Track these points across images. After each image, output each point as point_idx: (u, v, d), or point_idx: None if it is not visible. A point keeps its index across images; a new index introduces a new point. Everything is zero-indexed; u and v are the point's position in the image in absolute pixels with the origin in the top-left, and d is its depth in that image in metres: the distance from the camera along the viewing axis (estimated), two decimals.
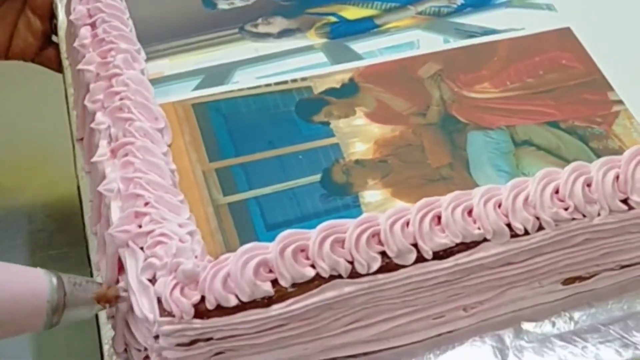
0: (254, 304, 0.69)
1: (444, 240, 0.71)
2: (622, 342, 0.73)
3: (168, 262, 0.69)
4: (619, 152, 0.76)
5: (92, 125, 0.82)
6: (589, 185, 0.73)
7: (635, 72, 0.84)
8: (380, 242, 0.71)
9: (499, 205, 0.72)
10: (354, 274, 0.70)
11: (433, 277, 0.72)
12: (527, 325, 0.74)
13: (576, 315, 0.75)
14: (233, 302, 0.68)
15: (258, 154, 0.79)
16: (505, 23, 0.89)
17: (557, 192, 0.73)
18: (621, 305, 0.76)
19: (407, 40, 0.88)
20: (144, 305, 0.69)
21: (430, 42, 0.88)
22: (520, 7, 0.91)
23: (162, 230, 0.71)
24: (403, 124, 0.81)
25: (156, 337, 0.68)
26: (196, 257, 0.69)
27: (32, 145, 1.11)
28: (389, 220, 0.71)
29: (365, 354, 0.73)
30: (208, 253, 0.71)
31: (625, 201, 0.74)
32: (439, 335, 0.74)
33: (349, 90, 0.84)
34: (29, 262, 0.84)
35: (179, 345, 0.69)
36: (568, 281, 0.76)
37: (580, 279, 0.76)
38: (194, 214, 0.74)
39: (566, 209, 0.73)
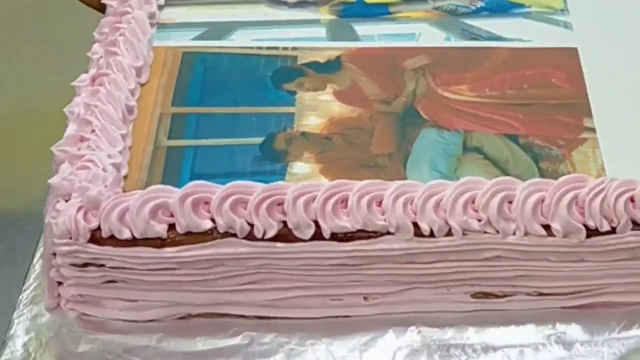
0: (147, 242, 0.70)
1: (345, 223, 0.69)
2: None
3: (82, 185, 0.72)
4: None
5: (88, 53, 0.85)
6: (510, 202, 0.70)
7: (624, 105, 0.78)
8: (284, 212, 0.71)
9: (411, 202, 0.70)
10: (251, 237, 0.70)
11: (330, 257, 0.70)
12: (424, 329, 0.71)
13: (478, 331, 0.71)
14: (126, 235, 0.69)
15: (217, 108, 0.79)
16: (514, 32, 0.85)
17: (474, 201, 0.70)
18: (528, 333, 0.71)
19: (410, 31, 0.86)
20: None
21: (431, 37, 0.85)
22: (537, 20, 0.87)
23: (91, 157, 0.73)
24: (364, 108, 0.79)
25: (54, 254, 0.72)
26: (106, 186, 0.71)
27: None
28: (295, 193, 0.70)
29: (258, 317, 0.73)
30: (127, 188, 0.73)
31: (547, 227, 0.70)
32: (336, 317, 0.73)
33: (330, 67, 0.83)
34: None
35: (73, 265, 0.71)
36: (478, 295, 0.72)
37: (493, 296, 0.72)
38: (134, 150, 0.76)
39: (479, 221, 0.69)
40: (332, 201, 0.69)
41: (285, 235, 0.70)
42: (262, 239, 0.69)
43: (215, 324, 0.73)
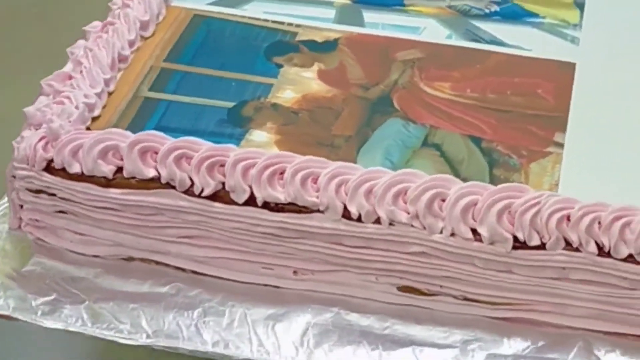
0: (93, 180, 0.72)
1: (277, 194, 0.69)
2: None
3: (48, 117, 0.74)
4: None
5: (109, 3, 0.88)
6: (444, 200, 0.68)
7: (602, 127, 0.74)
8: (224, 174, 0.71)
9: (345, 184, 0.69)
10: (191, 192, 0.71)
11: (261, 224, 0.70)
12: (344, 313, 0.70)
13: (397, 324, 0.69)
14: (75, 169, 0.71)
15: (204, 69, 0.80)
16: (518, 40, 0.82)
17: (406, 193, 0.68)
18: (446, 335, 0.69)
19: (415, 24, 0.84)
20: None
21: (434, 33, 0.83)
22: (545, 32, 0.83)
23: (69, 94, 0.76)
24: (342, 90, 0.78)
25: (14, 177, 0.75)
26: (70, 121, 0.74)
27: None
28: (237, 157, 0.70)
29: (193, 272, 0.74)
30: (94, 127, 0.75)
31: (476, 231, 0.67)
32: (265, 285, 0.73)
33: (325, 47, 0.82)
34: None
35: (28, 189, 0.74)
36: (404, 289, 0.71)
37: (419, 292, 0.70)
38: (115, 95, 0.78)
39: (407, 213, 0.68)
40: (269, 170, 0.69)
41: (222, 196, 0.71)
42: (200, 196, 0.71)
43: (152, 271, 0.74)
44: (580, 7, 0.85)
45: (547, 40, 0.82)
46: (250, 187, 0.70)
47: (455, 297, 0.70)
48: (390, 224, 0.67)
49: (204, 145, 0.71)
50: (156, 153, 0.71)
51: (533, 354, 0.67)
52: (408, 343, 0.68)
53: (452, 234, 0.67)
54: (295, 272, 0.72)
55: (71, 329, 0.70)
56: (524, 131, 0.74)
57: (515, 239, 0.66)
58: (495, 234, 0.66)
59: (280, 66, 0.81)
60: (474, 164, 0.72)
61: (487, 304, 0.69)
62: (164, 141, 0.72)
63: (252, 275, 0.73)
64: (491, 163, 0.72)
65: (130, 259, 0.75)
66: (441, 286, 0.70)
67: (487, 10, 0.86)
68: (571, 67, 0.79)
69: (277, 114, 0.77)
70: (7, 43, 0.82)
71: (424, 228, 0.67)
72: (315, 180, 0.69)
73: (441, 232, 0.67)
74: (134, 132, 0.73)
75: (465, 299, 0.70)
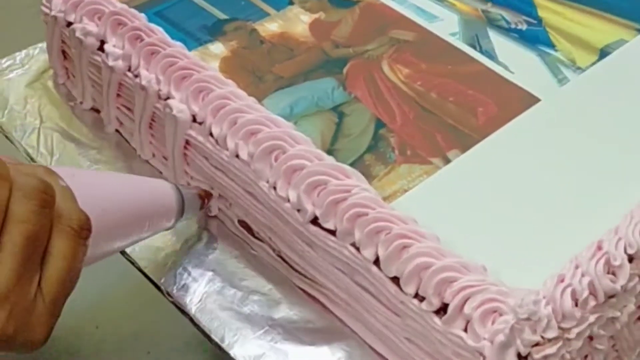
0: None
1: (174, 93, 0.66)
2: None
3: None
4: (370, 180, 0.60)
5: None
6: (285, 153, 0.60)
7: (503, 168, 0.60)
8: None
9: (223, 108, 0.63)
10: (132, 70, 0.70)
11: (156, 109, 0.67)
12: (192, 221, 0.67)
13: (218, 250, 0.64)
14: (71, 19, 0.72)
15: None
16: (511, 61, 0.69)
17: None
18: (246, 280, 0.62)
19: (436, 14, 0.73)
20: None
21: (444, 27, 0.72)
22: (545, 64, 0.69)
23: None
24: (316, 40, 0.71)
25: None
26: None
27: None
28: (166, 52, 0.67)
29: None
30: None
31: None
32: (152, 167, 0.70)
33: (343, 3, 0.75)
34: None
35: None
36: (242, 225, 0.65)
37: (251, 233, 0.64)
38: None
39: (248, 152, 0.61)
40: (180, 73, 0.66)
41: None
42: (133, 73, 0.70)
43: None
44: (603, 55, 0.69)
45: (538, 71, 0.68)
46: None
47: (274, 250, 0.63)
48: (237, 156, 0.62)
49: (157, 36, 0.70)
50: (124, 26, 0.72)
51: (293, 328, 0.59)
52: (209, 269, 0.63)
53: (274, 188, 0.60)
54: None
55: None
56: (428, 135, 0.64)
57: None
58: (298, 200, 0.58)
59: (292, 4, 0.76)
60: (354, 143, 0.63)
61: (293, 270, 0.62)
62: (135, 20, 0.71)
63: (155, 160, 0.71)
64: (371, 148, 0.63)
65: (95, 109, 0.77)
66: (270, 238, 0.63)
67: (512, 26, 0.73)
68: (532, 102, 0.65)
69: (248, 37, 0.73)
70: (7, 43, 0.83)
71: (254, 172, 0.61)
72: (207, 94, 0.65)
73: (267, 182, 0.61)
74: (140, 11, 0.74)
75: (279, 256, 0.63)
